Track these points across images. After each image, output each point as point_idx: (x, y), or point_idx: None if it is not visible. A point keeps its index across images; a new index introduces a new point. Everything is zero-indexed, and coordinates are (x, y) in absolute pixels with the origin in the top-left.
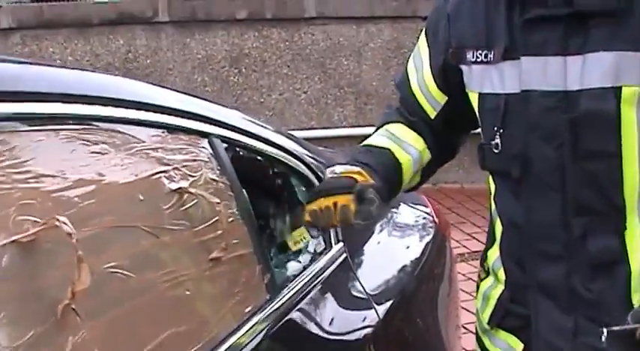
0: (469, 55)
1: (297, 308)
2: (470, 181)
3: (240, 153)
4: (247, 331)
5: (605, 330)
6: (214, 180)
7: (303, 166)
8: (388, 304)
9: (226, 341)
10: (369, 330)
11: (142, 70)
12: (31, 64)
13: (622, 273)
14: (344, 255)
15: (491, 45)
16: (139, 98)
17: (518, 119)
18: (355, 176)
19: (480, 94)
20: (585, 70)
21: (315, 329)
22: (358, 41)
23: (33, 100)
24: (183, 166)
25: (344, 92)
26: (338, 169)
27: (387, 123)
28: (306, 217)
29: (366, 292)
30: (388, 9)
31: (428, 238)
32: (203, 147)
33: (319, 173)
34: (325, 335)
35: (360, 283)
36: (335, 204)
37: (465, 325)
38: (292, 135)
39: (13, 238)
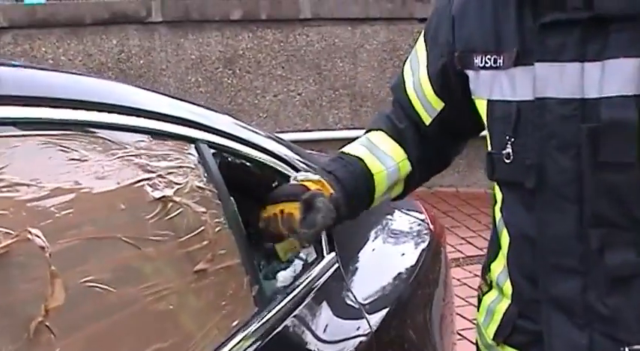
0: (477, 60)
1: (286, 322)
2: (465, 184)
3: (229, 159)
4: (234, 345)
5: (627, 349)
6: (201, 188)
7: (294, 173)
8: (382, 312)
9: None
10: (361, 340)
11: (136, 70)
12: (2, 65)
13: None
14: (336, 265)
15: (501, 50)
16: (122, 102)
17: (532, 128)
18: (309, 185)
19: (489, 101)
20: (604, 78)
21: (305, 343)
22: (353, 43)
23: (5, 103)
24: (168, 174)
25: (339, 94)
26: (299, 176)
27: (371, 130)
28: (260, 225)
29: (358, 302)
30: (384, 10)
31: (423, 245)
32: (189, 153)
33: None
34: (316, 348)
35: (352, 294)
36: (281, 211)
37: (460, 332)
38: (283, 139)
39: None
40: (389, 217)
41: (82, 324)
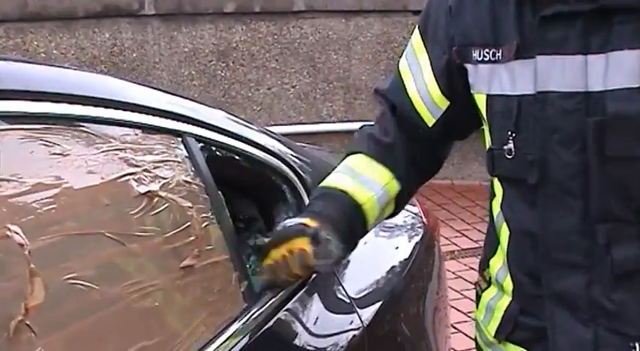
0: (475, 54)
1: (276, 317)
2: (460, 177)
3: (217, 153)
4: (222, 342)
5: (637, 345)
6: (188, 182)
7: (285, 167)
8: (374, 306)
9: None
10: (353, 335)
11: (128, 63)
12: None
13: None
14: None
15: (500, 43)
16: (106, 95)
17: (534, 122)
18: (307, 222)
19: (488, 96)
20: (609, 70)
21: (295, 338)
22: (347, 35)
23: None
24: (154, 168)
25: (333, 87)
26: (288, 222)
27: (350, 154)
28: (264, 275)
29: (349, 297)
30: (378, 2)
31: (416, 239)
32: (176, 147)
33: (302, 173)
34: (306, 344)
35: (344, 288)
36: (290, 251)
37: (455, 325)
38: (276, 133)
39: None
40: None
41: (65, 322)
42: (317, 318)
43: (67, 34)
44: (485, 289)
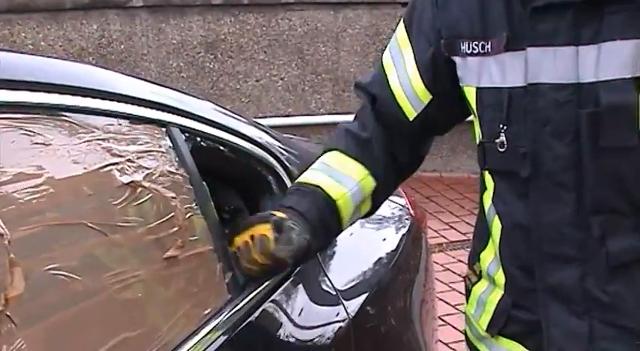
0: (463, 47)
1: (261, 309)
2: (448, 169)
3: (203, 144)
4: (206, 334)
5: None
6: (171, 173)
7: (271, 158)
8: (360, 298)
9: (183, 346)
10: (339, 326)
11: (116, 55)
12: None
13: None
14: None
15: (489, 35)
16: (89, 84)
17: (525, 115)
18: (280, 214)
19: (478, 89)
20: (601, 61)
21: (280, 330)
22: (336, 27)
23: None
24: (138, 158)
25: (321, 79)
26: (258, 214)
27: (327, 150)
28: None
29: (335, 288)
30: None
31: (403, 230)
32: (160, 137)
33: (288, 165)
34: (291, 336)
35: (329, 279)
36: (252, 237)
37: (443, 317)
38: (263, 125)
39: None
40: None
41: (46, 313)
42: (302, 309)
43: (54, 25)
44: (476, 282)
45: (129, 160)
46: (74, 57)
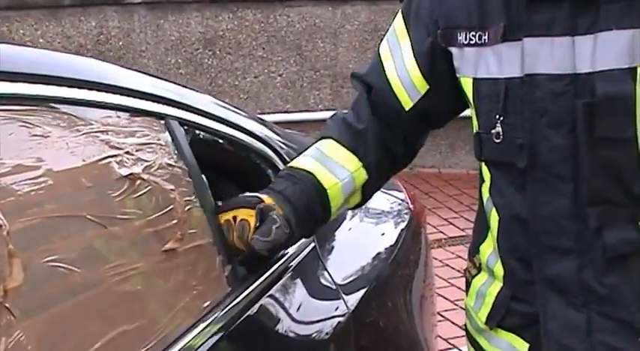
0: (460, 37)
1: (260, 302)
2: (447, 165)
3: (201, 137)
4: (205, 327)
5: None
6: (170, 165)
7: (271, 152)
8: (359, 293)
9: (182, 339)
10: (337, 321)
11: (115, 52)
12: None
13: (638, 266)
14: (312, 244)
15: (486, 25)
16: (88, 77)
17: (521, 106)
18: (267, 200)
19: (475, 80)
20: (597, 51)
21: (280, 324)
22: (334, 23)
23: None
24: (136, 150)
25: (320, 75)
26: (246, 194)
27: (321, 138)
28: None
29: (335, 283)
30: None
31: (402, 225)
32: (159, 130)
33: (288, 159)
34: (291, 329)
35: (329, 273)
36: (234, 218)
37: (442, 313)
38: (263, 119)
39: None
40: None
41: (45, 305)
42: (302, 303)
43: (53, 22)
44: (476, 275)
45: (128, 153)
46: (73, 54)
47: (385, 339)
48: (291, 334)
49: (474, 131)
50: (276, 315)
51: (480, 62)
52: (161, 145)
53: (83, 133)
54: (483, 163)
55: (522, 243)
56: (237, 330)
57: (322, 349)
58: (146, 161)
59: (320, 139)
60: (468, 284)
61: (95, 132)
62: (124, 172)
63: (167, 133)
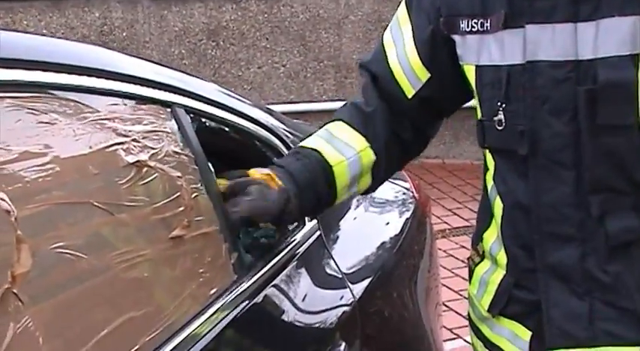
0: (463, 25)
1: (266, 290)
2: (451, 156)
3: (207, 124)
4: (212, 314)
5: None
6: (177, 153)
7: (277, 140)
8: (365, 282)
9: (189, 326)
10: (343, 310)
11: (118, 42)
12: None
13: None
14: (318, 232)
15: (488, 13)
16: (95, 64)
17: (523, 92)
18: (253, 174)
19: (477, 67)
20: (599, 38)
21: (286, 311)
22: (338, 14)
23: None
24: (143, 138)
25: (324, 65)
26: (251, 171)
27: (333, 121)
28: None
29: (341, 271)
30: None
31: (407, 214)
32: (165, 117)
33: (293, 147)
34: (297, 317)
35: (335, 262)
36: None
37: (446, 303)
38: (269, 108)
39: None
40: None
41: (52, 291)
42: (308, 291)
43: (56, 13)
44: (479, 263)
45: (134, 140)
46: None
47: (391, 328)
48: (297, 323)
49: (478, 118)
50: (282, 303)
51: (482, 49)
52: (168, 132)
53: (90, 121)
54: (487, 151)
55: (525, 230)
56: (243, 318)
57: (329, 337)
58: (153, 149)
59: (330, 122)
60: (471, 272)
61: (102, 119)
62: (131, 159)
63: (173, 121)
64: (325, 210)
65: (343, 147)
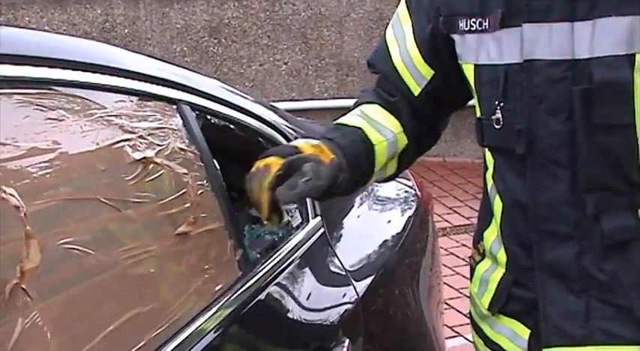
0: (461, 24)
1: (270, 286)
2: (452, 154)
3: (213, 121)
4: (217, 310)
5: None
6: (183, 149)
7: (281, 137)
8: (368, 280)
9: (194, 321)
10: (347, 307)
11: (120, 39)
12: None
13: (637, 252)
14: (321, 229)
15: (486, 12)
16: (101, 61)
17: (520, 91)
18: (305, 148)
19: (476, 66)
20: (595, 37)
21: (290, 308)
22: (340, 11)
23: None
24: (149, 135)
25: (325, 63)
26: (300, 141)
27: (362, 104)
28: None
29: (345, 269)
30: None
31: (410, 212)
32: (171, 114)
33: None
34: (301, 314)
35: (339, 259)
36: (267, 166)
37: (447, 301)
38: (272, 105)
39: None
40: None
41: (60, 287)
42: (313, 288)
43: (58, 10)
44: (480, 261)
45: (141, 137)
46: None
47: (393, 326)
48: (301, 319)
49: (476, 117)
50: (286, 299)
51: (481, 48)
52: (173, 129)
53: (97, 117)
54: (487, 150)
55: (523, 229)
56: (248, 314)
57: (332, 333)
58: (159, 145)
59: (361, 104)
60: (472, 271)
61: (109, 116)
62: (137, 155)
63: (179, 118)
64: (360, 189)
65: (382, 128)
